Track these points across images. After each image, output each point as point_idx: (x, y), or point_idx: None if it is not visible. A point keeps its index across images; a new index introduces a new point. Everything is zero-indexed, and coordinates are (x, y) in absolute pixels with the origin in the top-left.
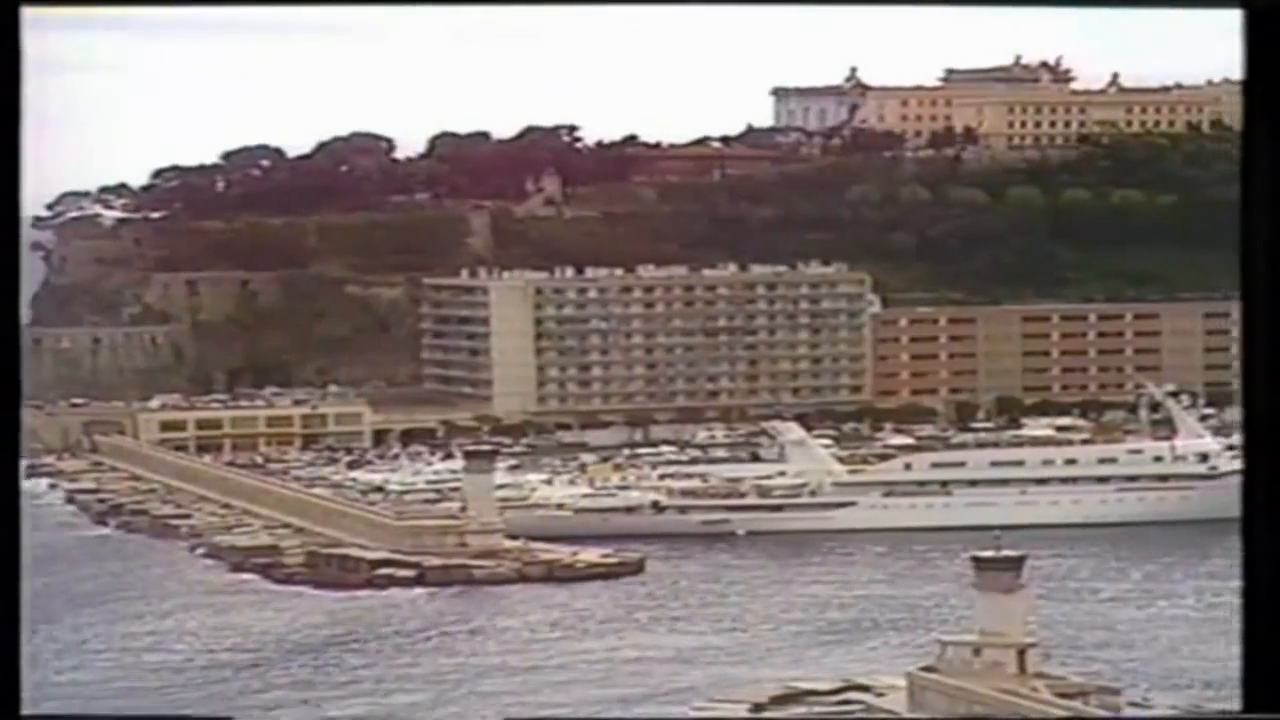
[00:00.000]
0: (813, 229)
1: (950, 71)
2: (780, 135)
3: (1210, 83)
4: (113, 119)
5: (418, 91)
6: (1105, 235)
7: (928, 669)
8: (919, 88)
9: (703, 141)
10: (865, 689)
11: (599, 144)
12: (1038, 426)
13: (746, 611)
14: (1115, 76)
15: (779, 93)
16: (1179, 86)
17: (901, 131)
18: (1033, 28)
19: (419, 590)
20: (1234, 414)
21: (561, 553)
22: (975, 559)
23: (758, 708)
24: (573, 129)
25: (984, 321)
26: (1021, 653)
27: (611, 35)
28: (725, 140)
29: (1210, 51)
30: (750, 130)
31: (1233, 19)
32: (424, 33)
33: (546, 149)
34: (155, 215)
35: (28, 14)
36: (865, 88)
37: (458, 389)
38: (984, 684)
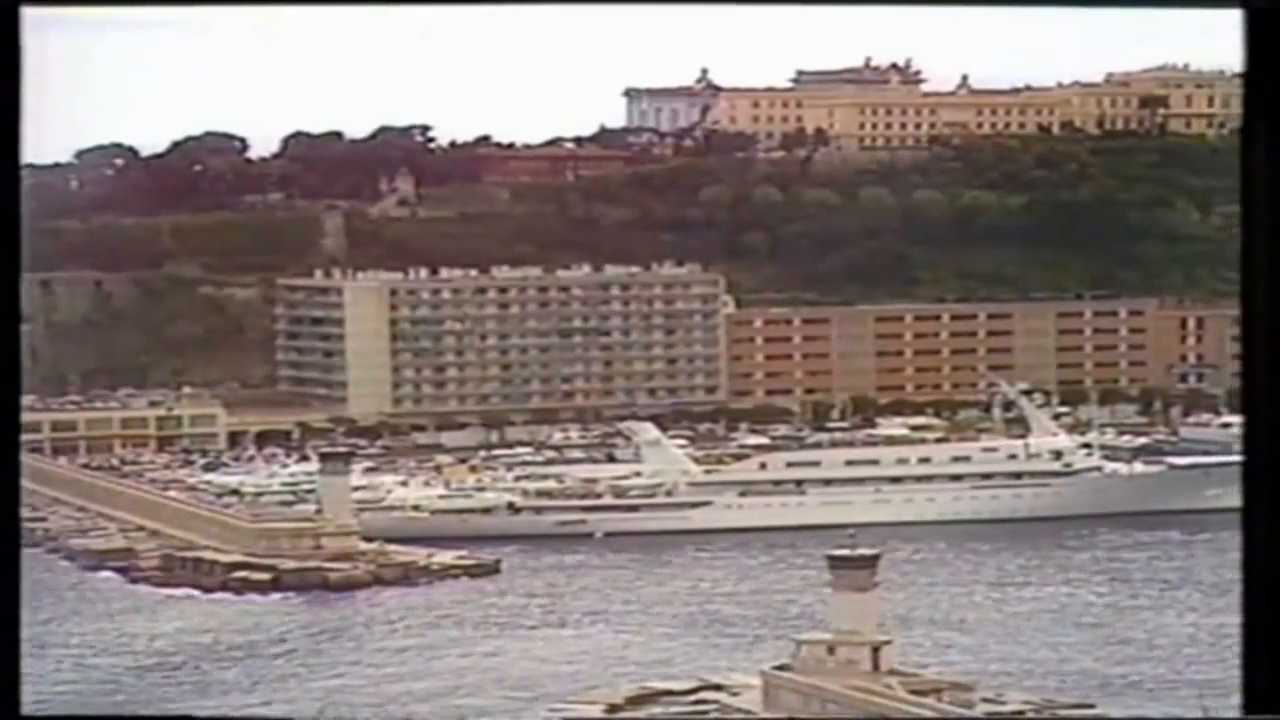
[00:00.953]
0: (666, 230)
1: (801, 73)
2: (633, 136)
3: (1060, 85)
4: None
5: (271, 91)
6: (957, 236)
7: (782, 668)
8: (770, 89)
9: (556, 142)
10: (720, 688)
11: (452, 144)
12: (892, 426)
13: (602, 612)
14: (965, 78)
15: (631, 93)
16: (1029, 88)
17: (753, 132)
18: (882, 29)
19: (275, 595)
20: (1087, 412)
21: (417, 555)
22: (830, 558)
23: (613, 708)
24: (425, 129)
25: (838, 322)
26: (876, 650)
27: (463, 34)
28: (578, 141)
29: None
30: (603, 131)
31: (1090, 25)
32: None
33: (399, 149)
34: None
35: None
36: (717, 89)
37: (313, 390)
38: (838, 682)
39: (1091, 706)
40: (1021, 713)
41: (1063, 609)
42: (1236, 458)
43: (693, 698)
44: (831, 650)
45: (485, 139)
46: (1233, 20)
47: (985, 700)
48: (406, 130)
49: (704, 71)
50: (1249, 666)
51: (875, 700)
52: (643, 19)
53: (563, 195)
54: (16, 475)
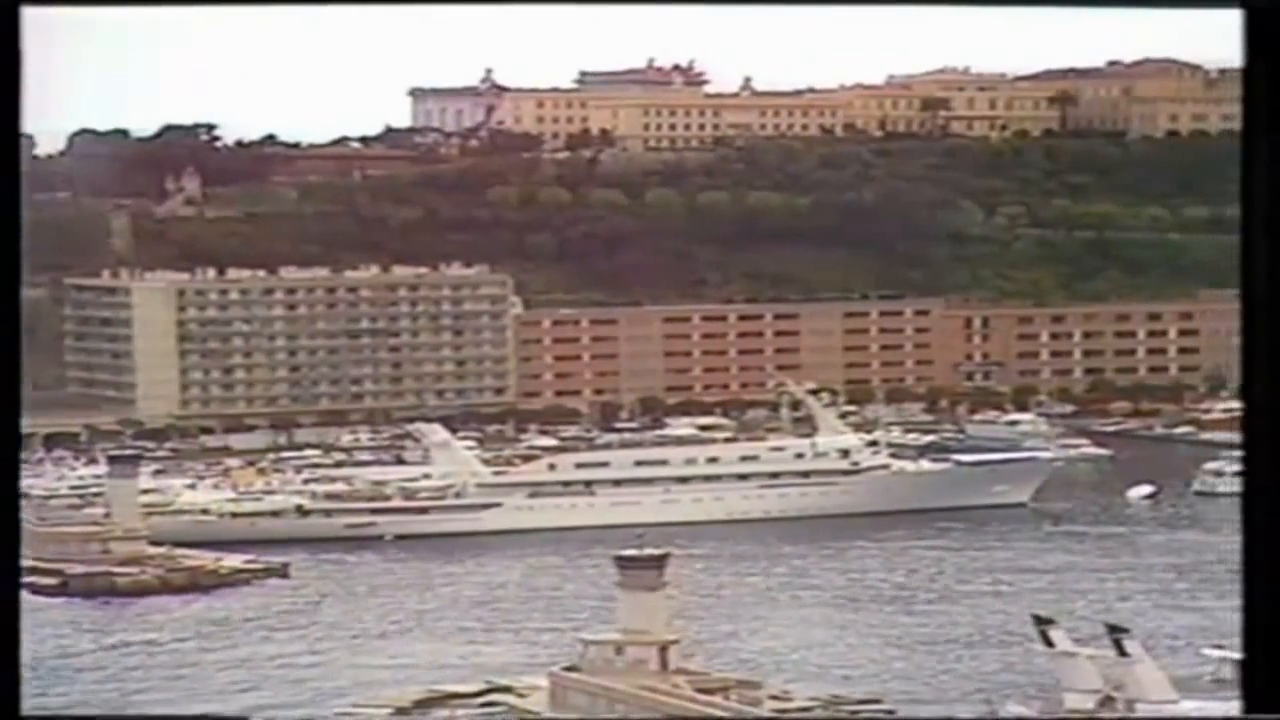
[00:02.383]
0: (454, 230)
1: (584, 73)
2: (419, 136)
3: (842, 86)
4: None
5: (55, 87)
6: (743, 236)
7: (570, 668)
8: (555, 89)
9: (342, 141)
10: (508, 690)
11: (238, 143)
12: (680, 426)
13: (391, 614)
14: (748, 80)
15: (416, 93)
16: (811, 90)
17: (539, 133)
18: (664, 30)
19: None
20: (874, 411)
21: (205, 559)
22: (618, 558)
23: (401, 711)
24: (211, 128)
25: (626, 322)
26: (664, 649)
27: (248, 33)
28: (364, 140)
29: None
30: (389, 131)
31: (869, 27)
32: (60, 26)
33: (185, 148)
34: None
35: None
36: (501, 89)
37: (101, 392)
38: (626, 682)
39: (878, 702)
40: (809, 709)
41: (848, 603)
42: (1023, 454)
43: (481, 700)
44: (619, 650)
45: (271, 138)
46: (1014, 22)
47: (773, 697)
48: (192, 129)
49: (488, 71)
50: (1249, 666)
51: (663, 699)
52: (426, 18)
53: (350, 195)
54: (16, 475)
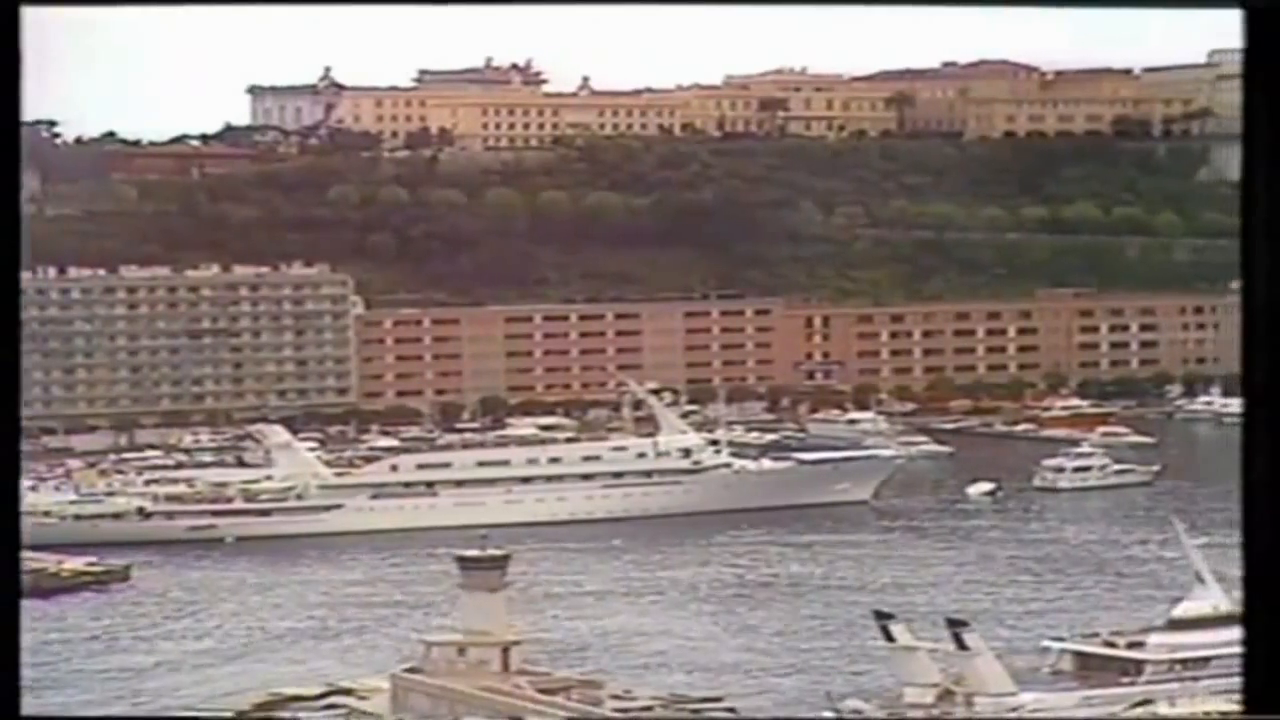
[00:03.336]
0: (294, 229)
1: (423, 72)
2: (258, 134)
3: (680, 87)
4: None
5: None
6: (583, 236)
7: (412, 670)
8: (393, 88)
9: (181, 139)
10: (349, 693)
11: (78, 140)
12: (522, 426)
13: (233, 617)
14: (586, 79)
15: (255, 91)
16: (649, 90)
17: (378, 132)
18: (502, 29)
19: None
20: (715, 410)
21: (47, 561)
22: (460, 559)
23: (241, 715)
24: (51, 124)
25: (467, 322)
26: (506, 650)
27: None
28: (204, 138)
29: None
30: (229, 129)
31: (707, 27)
32: None
33: (24, 145)
34: None
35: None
36: (340, 87)
37: None
38: (468, 683)
39: (719, 700)
40: (650, 709)
41: (691, 602)
42: (864, 453)
43: (322, 703)
44: (462, 651)
45: (111, 135)
46: (851, 23)
47: (614, 696)
48: (31, 126)
49: (327, 70)
50: (1249, 666)
51: (504, 700)
52: (264, 17)
53: (190, 194)
54: (17, 476)
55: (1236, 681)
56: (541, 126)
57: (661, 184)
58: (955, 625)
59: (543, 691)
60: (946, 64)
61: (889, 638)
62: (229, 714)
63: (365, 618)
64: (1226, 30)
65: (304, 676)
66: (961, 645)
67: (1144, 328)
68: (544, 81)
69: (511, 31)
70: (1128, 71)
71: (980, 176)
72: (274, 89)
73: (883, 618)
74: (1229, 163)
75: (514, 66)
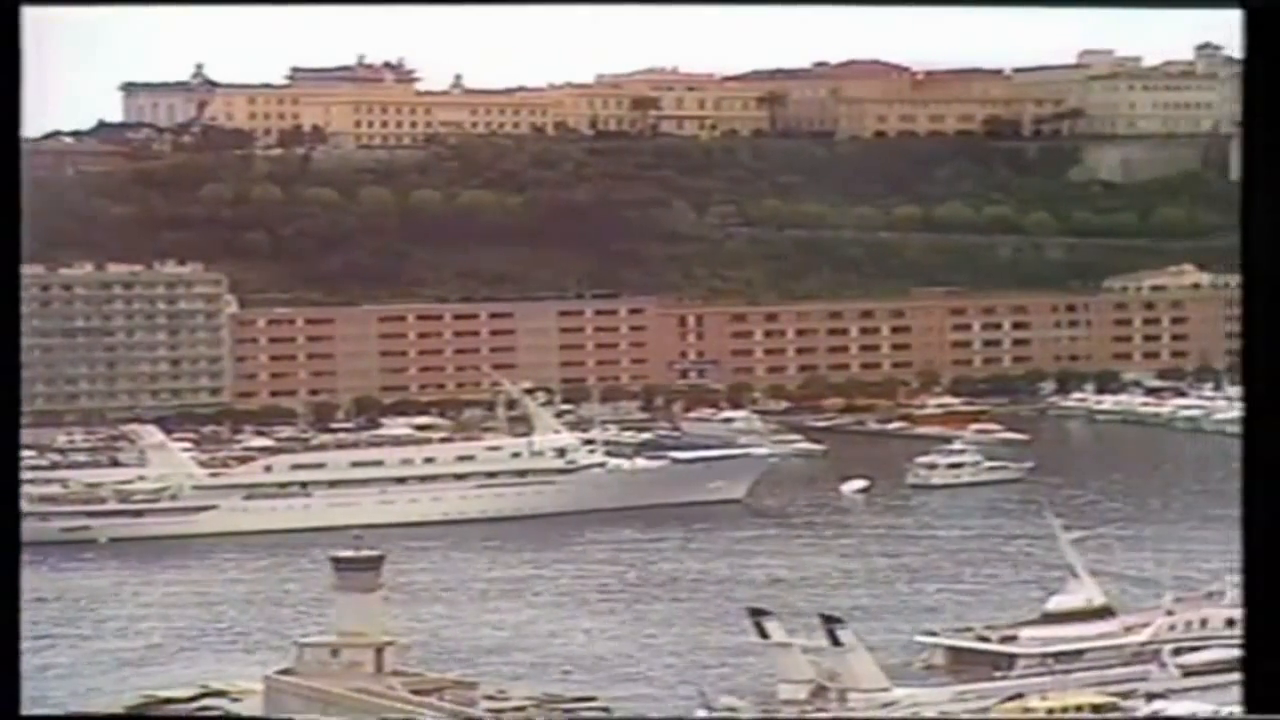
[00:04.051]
0: (168, 227)
1: (296, 70)
2: (131, 131)
3: (552, 85)
4: None
5: None
6: (457, 235)
7: (285, 671)
8: (266, 86)
9: (54, 135)
10: (222, 694)
11: None
12: (397, 426)
13: (107, 620)
14: (459, 78)
15: (128, 88)
16: (522, 89)
17: (251, 130)
18: (374, 27)
19: None
20: (590, 409)
21: None
22: (334, 559)
23: (114, 718)
24: None
25: (341, 322)
26: (379, 651)
27: None
28: (77, 135)
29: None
30: (102, 125)
31: (578, 26)
32: None
33: None
34: None
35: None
36: (213, 85)
37: None
38: (341, 684)
39: (593, 700)
40: (524, 709)
41: (566, 602)
42: (738, 451)
43: (195, 704)
44: (335, 652)
45: None
46: (722, 22)
47: (488, 697)
48: None
49: (199, 67)
50: (1249, 666)
51: (377, 701)
52: (135, 13)
53: (63, 191)
54: (17, 476)
55: (1108, 673)
56: (414, 125)
57: (535, 183)
58: (829, 622)
59: (416, 692)
60: (818, 64)
61: (763, 635)
62: (221, 714)
63: (238, 619)
64: (1096, 31)
65: (177, 678)
66: (835, 641)
67: (1016, 326)
68: (416, 80)
69: (384, 29)
70: (998, 71)
71: (852, 176)
72: (147, 86)
73: (757, 615)
74: (1100, 162)
75: (386, 64)
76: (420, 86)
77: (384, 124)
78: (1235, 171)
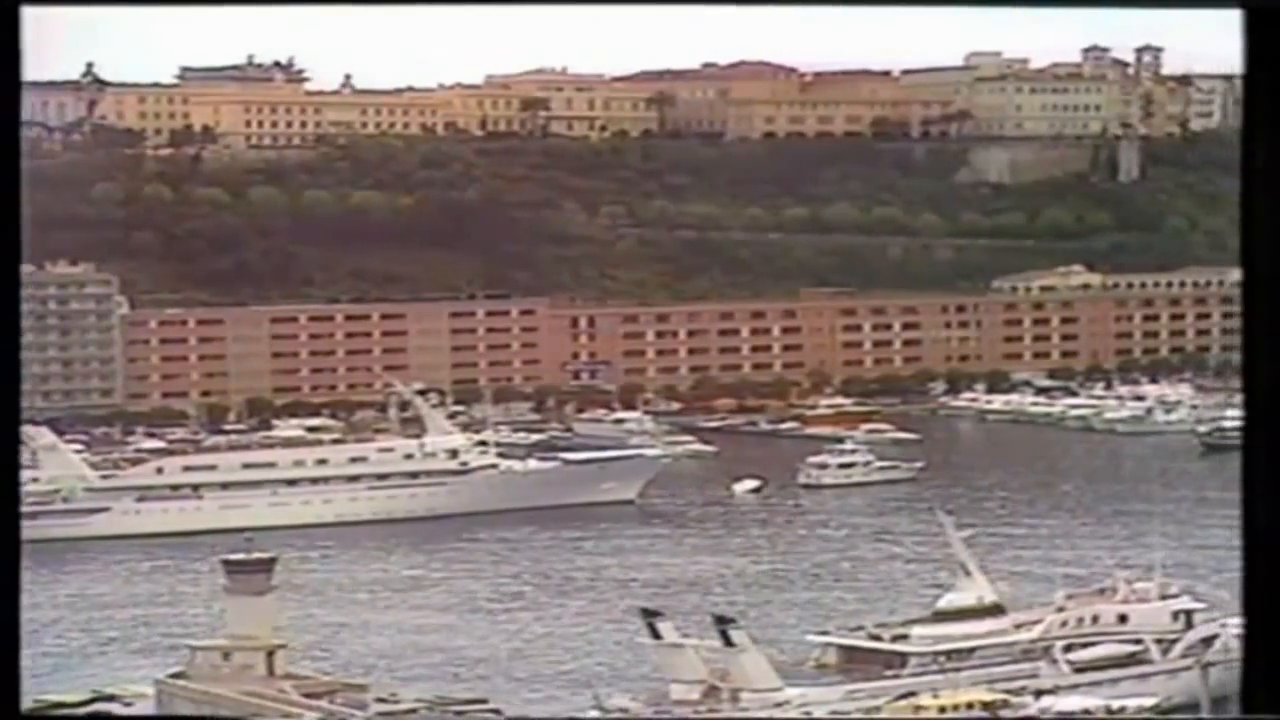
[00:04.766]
0: (58, 228)
1: (185, 69)
2: (23, 130)
3: (441, 86)
4: None
5: None
6: (348, 236)
7: (177, 675)
8: (156, 85)
9: None
10: (113, 698)
11: None
12: (289, 427)
13: None
14: (348, 78)
15: None
16: (411, 89)
17: (141, 129)
18: (263, 26)
19: None
20: (482, 410)
21: None
22: (225, 562)
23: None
24: None
25: (232, 323)
26: (270, 654)
27: None
28: None
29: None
30: None
31: (467, 26)
32: None
33: None
34: None
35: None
36: (103, 84)
37: None
38: (232, 687)
39: (484, 702)
40: (415, 711)
41: (459, 604)
42: (630, 452)
43: (86, 709)
44: (227, 655)
45: None
46: (611, 23)
47: (379, 700)
48: None
49: (89, 66)
50: (1249, 666)
51: (269, 704)
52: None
53: None
54: (16, 475)
55: (999, 670)
56: (304, 125)
57: (425, 183)
58: (722, 622)
59: (307, 695)
60: (706, 65)
61: (656, 635)
62: (226, 713)
63: (130, 622)
64: (982, 34)
65: (69, 682)
66: (728, 642)
67: (906, 326)
68: (306, 80)
69: (273, 29)
70: (886, 73)
71: (741, 177)
72: (36, 84)
73: (649, 615)
74: (988, 164)
75: (276, 64)
76: (310, 87)
77: (274, 124)
78: (1123, 173)
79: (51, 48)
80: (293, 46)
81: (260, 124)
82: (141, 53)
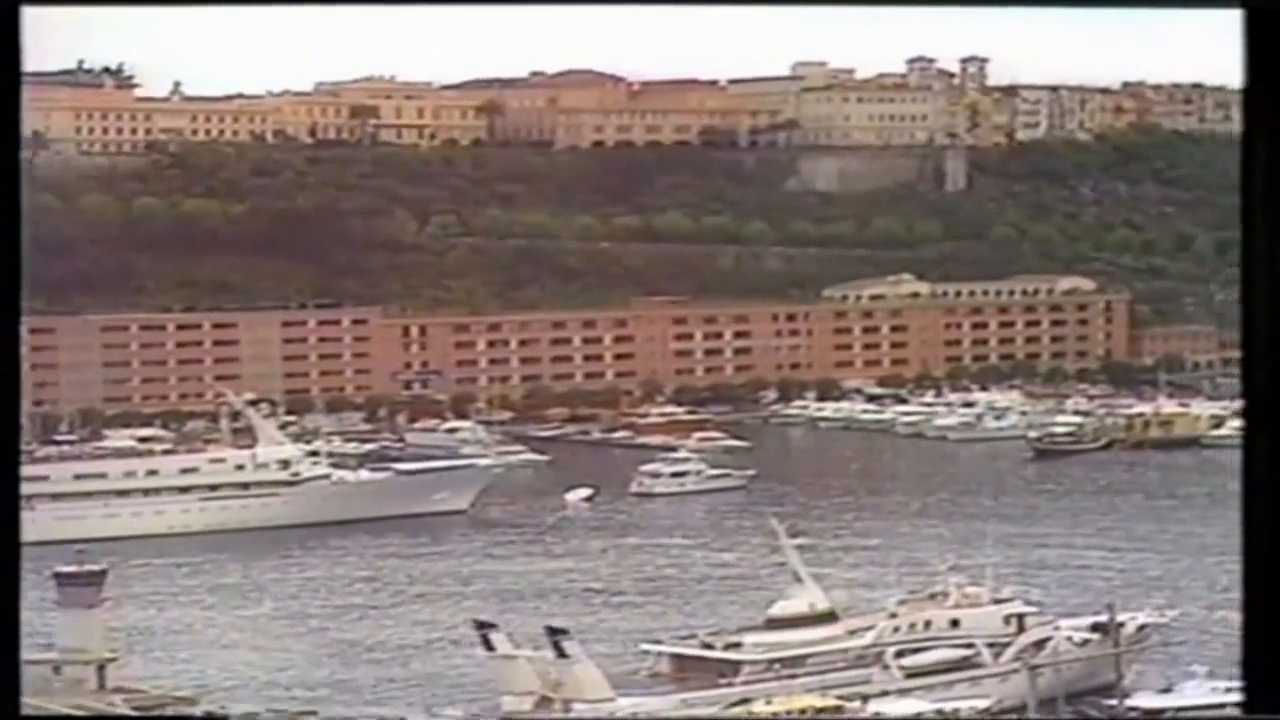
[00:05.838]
0: None
1: None
2: None
3: (271, 93)
4: None
5: None
6: (179, 243)
7: None
8: None
9: None
10: None
11: None
12: (120, 438)
13: None
14: (178, 84)
15: None
16: (241, 95)
17: None
18: (93, 31)
19: None
20: (314, 420)
21: None
22: (56, 575)
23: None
24: None
25: (63, 331)
26: (101, 668)
27: None
28: None
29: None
30: None
31: (300, 33)
32: None
33: None
34: None
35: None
36: None
37: None
38: (62, 702)
39: (314, 714)
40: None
41: (290, 615)
42: (462, 462)
43: None
44: (57, 669)
45: None
46: (440, 30)
47: (209, 715)
48: None
49: None
50: (1249, 666)
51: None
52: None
53: None
54: (16, 475)
55: (831, 677)
56: (135, 132)
57: (256, 191)
58: (554, 633)
59: (138, 709)
60: (535, 73)
61: (489, 647)
62: (228, 713)
63: None
64: (809, 44)
65: None
66: (561, 653)
67: (738, 335)
68: (136, 86)
69: (103, 34)
70: (714, 82)
71: (571, 186)
72: None
73: (483, 627)
74: (816, 173)
75: (106, 70)
76: (140, 93)
77: (104, 130)
78: (950, 182)
79: None
80: (121, 52)
81: (91, 130)
82: None
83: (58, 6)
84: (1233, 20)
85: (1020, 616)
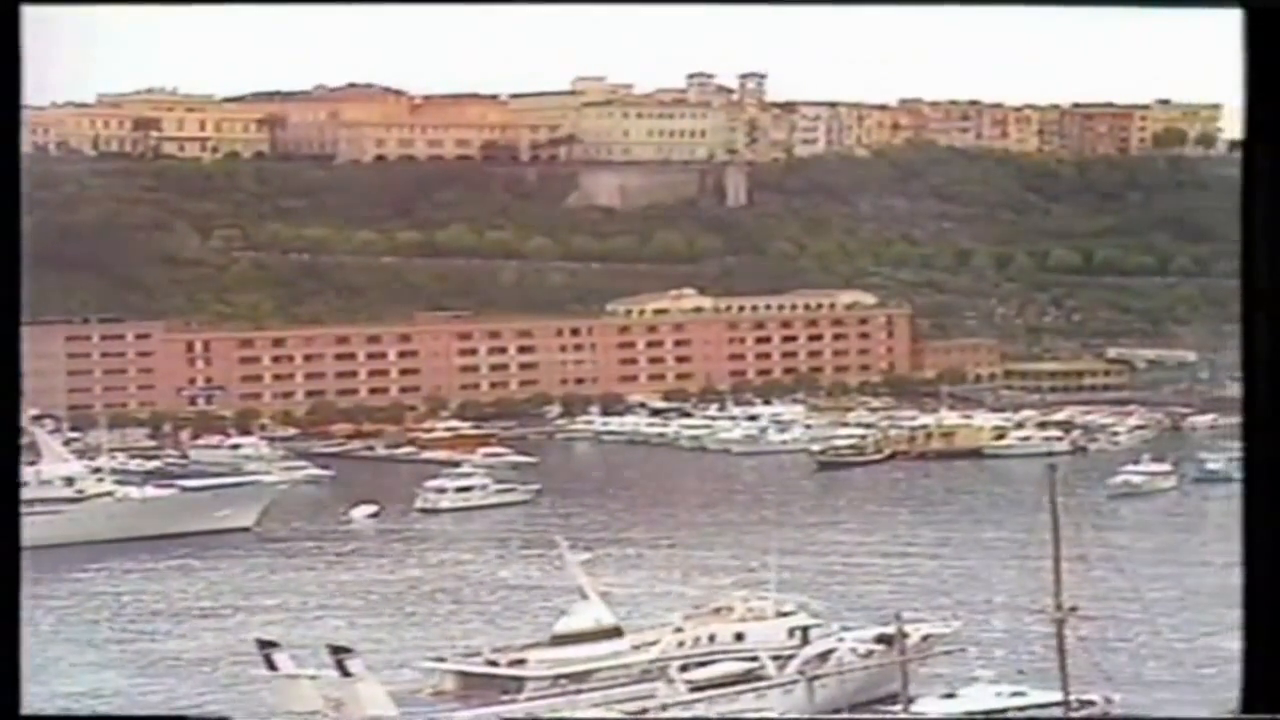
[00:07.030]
0: None
1: None
2: None
3: (54, 104)
4: None
5: None
6: None
7: None
8: None
9: None
10: None
11: None
12: None
13: None
14: None
15: None
16: (24, 106)
17: None
18: None
19: None
20: (97, 436)
21: None
22: None
23: None
24: None
25: None
26: None
27: None
28: None
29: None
30: None
31: (83, 45)
32: None
33: None
34: None
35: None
36: None
37: None
38: None
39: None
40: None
41: (74, 635)
42: (246, 478)
43: None
44: None
45: None
46: (222, 43)
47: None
48: None
49: None
50: (1249, 666)
51: None
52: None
53: None
54: (16, 476)
55: (617, 692)
56: None
57: (38, 204)
58: (338, 652)
59: None
60: (317, 86)
61: (271, 666)
62: (230, 714)
63: None
64: (588, 59)
65: None
66: (344, 671)
67: (522, 350)
68: None
69: None
70: (494, 97)
71: (354, 200)
72: None
73: (266, 646)
74: (598, 188)
75: None
76: None
77: None
78: (731, 198)
79: None
80: None
81: None
82: None
83: (63, 6)
84: (1012, 34)
85: (805, 629)
